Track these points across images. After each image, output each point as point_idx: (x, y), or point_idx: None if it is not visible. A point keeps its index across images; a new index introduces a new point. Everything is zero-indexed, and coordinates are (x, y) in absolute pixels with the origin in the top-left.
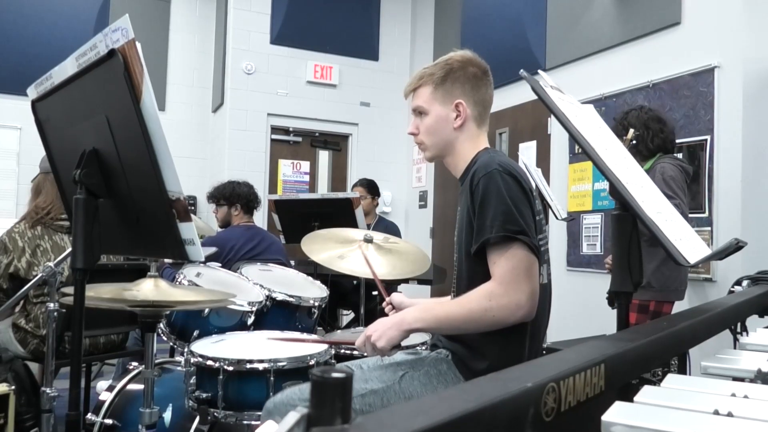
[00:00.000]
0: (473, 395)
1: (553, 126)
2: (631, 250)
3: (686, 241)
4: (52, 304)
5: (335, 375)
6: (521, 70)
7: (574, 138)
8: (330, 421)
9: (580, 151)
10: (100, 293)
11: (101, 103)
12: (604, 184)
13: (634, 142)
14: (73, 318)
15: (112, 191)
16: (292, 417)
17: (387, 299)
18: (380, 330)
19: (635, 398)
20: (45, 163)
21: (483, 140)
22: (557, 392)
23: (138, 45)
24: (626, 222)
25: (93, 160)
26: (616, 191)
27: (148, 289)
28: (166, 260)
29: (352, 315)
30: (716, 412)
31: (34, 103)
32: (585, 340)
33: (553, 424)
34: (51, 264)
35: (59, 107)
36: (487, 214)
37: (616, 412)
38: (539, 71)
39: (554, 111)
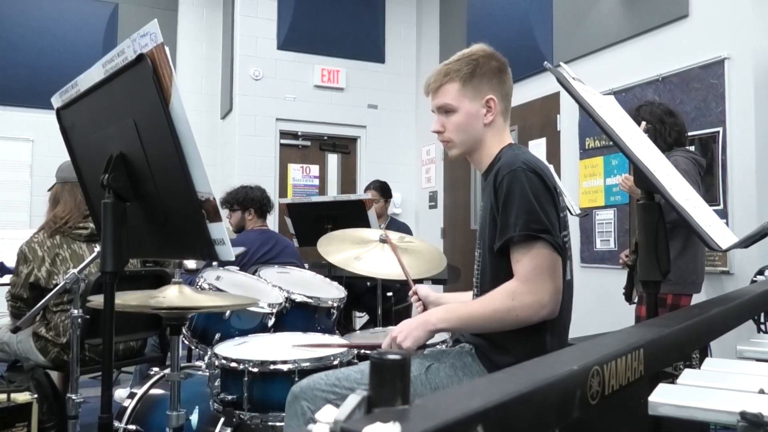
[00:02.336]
0: (523, 378)
1: (563, 122)
2: (658, 238)
3: (715, 228)
4: (75, 311)
5: (393, 356)
6: (545, 62)
7: (602, 128)
8: (391, 402)
9: (591, 146)
10: (126, 301)
11: (129, 107)
12: (617, 179)
13: (647, 135)
14: (104, 321)
15: (139, 194)
16: (353, 399)
17: (413, 289)
18: (406, 330)
19: (678, 380)
20: (62, 172)
21: (507, 135)
22: (601, 376)
23: (167, 49)
24: (652, 210)
25: (120, 164)
26: (645, 179)
27: (174, 295)
28: (187, 266)
29: (367, 317)
30: (762, 392)
31: (58, 111)
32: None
33: (598, 406)
34: (75, 271)
35: (85, 113)
36: (511, 212)
37: (662, 393)
38: (561, 65)
39: (580, 102)
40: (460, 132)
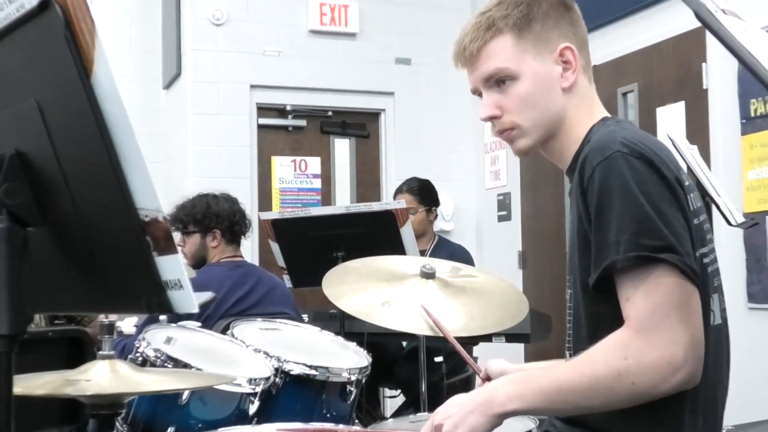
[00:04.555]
0: None
1: (712, 76)
2: None
3: None
4: None
5: None
6: None
7: None
8: None
9: (761, 113)
10: (30, 389)
11: (28, 82)
12: None
13: None
14: None
15: (48, 215)
16: None
17: (482, 374)
18: (457, 415)
19: None
20: None
21: (598, 103)
22: None
23: None
24: None
25: (17, 168)
26: None
27: (103, 376)
28: (121, 328)
29: (401, 398)
30: None
31: None
32: None
33: None
34: None
35: None
36: (610, 223)
37: None
38: None
39: (737, 51)
40: (530, 108)
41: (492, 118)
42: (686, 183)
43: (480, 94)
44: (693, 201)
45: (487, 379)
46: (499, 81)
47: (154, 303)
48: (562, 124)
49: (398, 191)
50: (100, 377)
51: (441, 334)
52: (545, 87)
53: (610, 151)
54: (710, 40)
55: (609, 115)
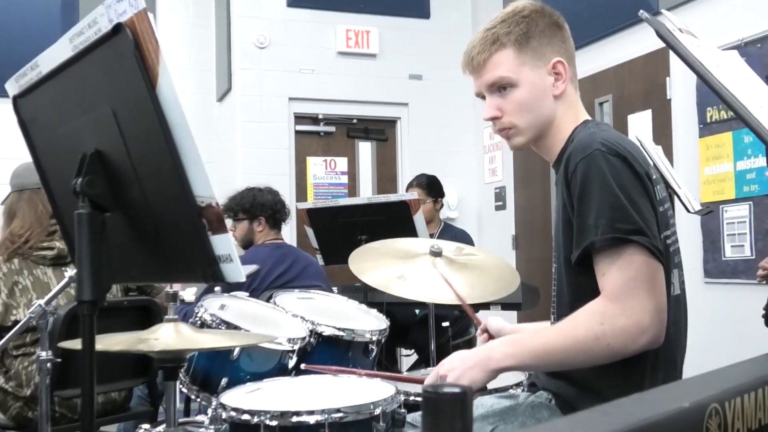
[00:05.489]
0: (617, 418)
1: (675, 88)
2: None
3: None
4: (44, 353)
5: (451, 389)
6: (641, 11)
7: (721, 97)
8: None
9: (715, 119)
10: (109, 345)
11: (105, 92)
12: (752, 163)
13: None
14: (83, 364)
15: (121, 202)
16: None
17: (481, 326)
18: (459, 369)
19: None
20: (17, 178)
21: (581, 108)
22: (721, 416)
23: (151, 16)
24: None
25: (96, 164)
26: None
27: (169, 336)
28: (183, 297)
29: (415, 356)
30: None
31: (15, 100)
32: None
33: None
34: (41, 302)
35: (49, 102)
36: (590, 210)
37: None
38: (663, 13)
39: (690, 62)
40: (526, 112)
41: (493, 119)
42: (653, 177)
43: (483, 97)
44: (659, 192)
45: (486, 330)
46: (500, 87)
47: (209, 273)
48: (552, 125)
49: (409, 185)
50: (166, 336)
51: (448, 303)
52: (540, 94)
53: (590, 149)
54: (673, 58)
55: (590, 118)
